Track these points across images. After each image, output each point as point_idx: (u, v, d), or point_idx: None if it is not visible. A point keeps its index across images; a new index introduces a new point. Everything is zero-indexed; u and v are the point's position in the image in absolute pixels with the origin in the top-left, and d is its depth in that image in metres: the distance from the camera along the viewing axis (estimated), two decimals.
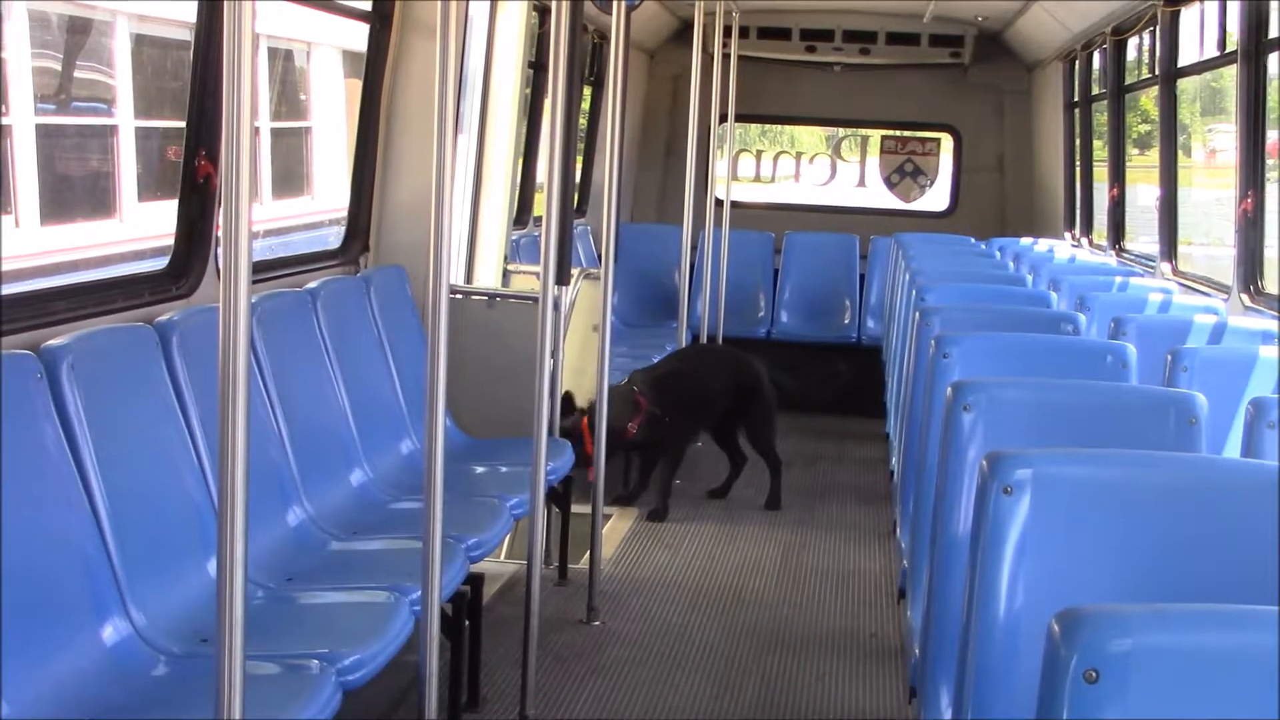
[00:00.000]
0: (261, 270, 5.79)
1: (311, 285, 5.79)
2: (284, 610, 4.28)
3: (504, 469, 5.99)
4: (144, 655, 3.78)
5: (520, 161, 8.75)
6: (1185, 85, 9.08)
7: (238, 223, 2.73)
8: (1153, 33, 8.95)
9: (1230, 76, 7.01)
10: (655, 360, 9.43)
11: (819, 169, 13.58)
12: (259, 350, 5.07)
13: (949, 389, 3.62)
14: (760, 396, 8.26)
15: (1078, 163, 11.45)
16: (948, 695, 3.24)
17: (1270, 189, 6.81)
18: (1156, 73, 8.77)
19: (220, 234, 2.79)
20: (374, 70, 6.69)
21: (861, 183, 13.42)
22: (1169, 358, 4.55)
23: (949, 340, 4.52)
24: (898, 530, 5.37)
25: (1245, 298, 6.57)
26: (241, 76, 2.70)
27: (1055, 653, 1.80)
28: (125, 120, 9.46)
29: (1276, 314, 6.08)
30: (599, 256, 6.76)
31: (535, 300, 5.23)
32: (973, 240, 10.85)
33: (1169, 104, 8.57)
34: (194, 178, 4.88)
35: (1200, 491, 2.74)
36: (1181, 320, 5.65)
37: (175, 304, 4.78)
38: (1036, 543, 2.67)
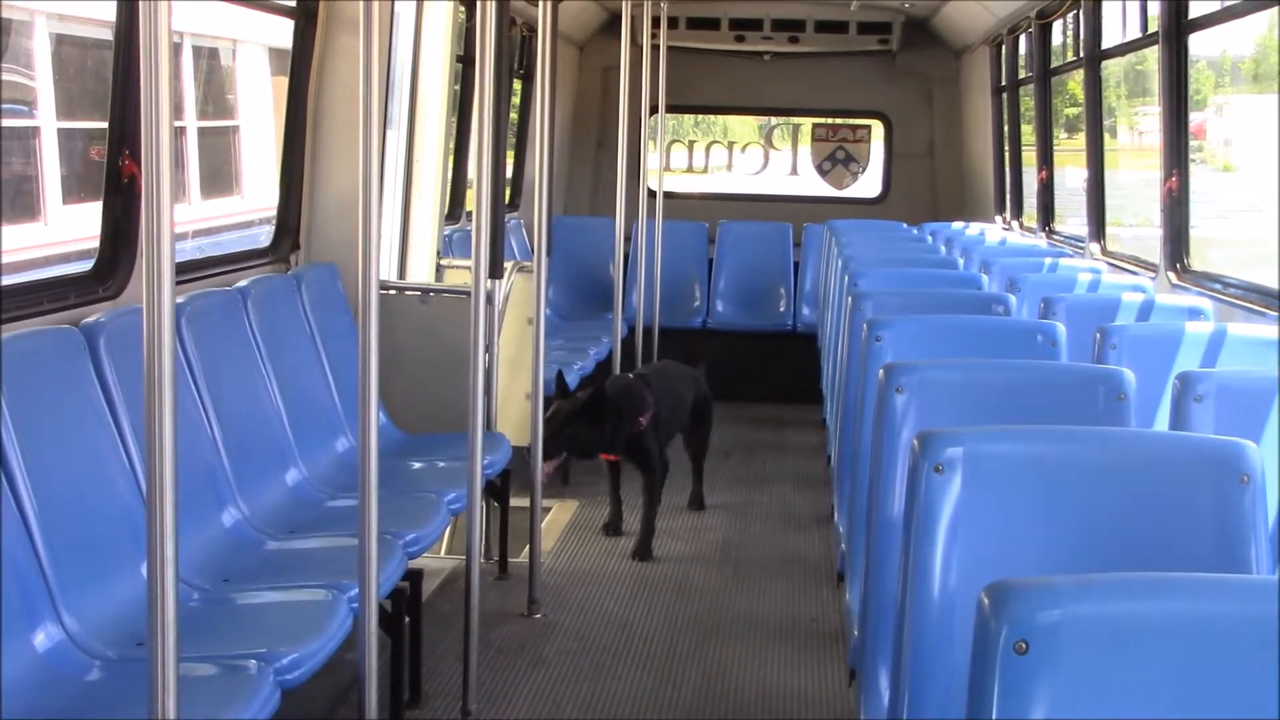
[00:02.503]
0: (190, 270, 5.74)
1: (241, 284, 5.74)
2: (220, 611, 4.25)
3: (441, 464, 5.96)
4: (77, 660, 3.73)
5: (451, 156, 8.71)
6: (1111, 69, 9.18)
7: (160, 221, 2.71)
8: (1077, 16, 9.04)
9: (1153, 58, 7.09)
10: (592, 352, 9.44)
11: (751, 158, 13.61)
12: (189, 350, 5.02)
13: (881, 371, 3.65)
14: (710, 412, 8.27)
15: (1007, 147, 11.55)
16: (886, 675, 3.26)
17: (1195, 170, 6.89)
18: (1081, 55, 8.86)
19: (143, 233, 2.75)
20: (300, 67, 6.63)
21: (794, 171, 13.47)
22: (1098, 335, 4.60)
23: (881, 324, 4.55)
24: (835, 514, 5.39)
25: (1172, 275, 6.64)
26: (160, 75, 2.67)
27: (985, 625, 1.82)
28: (47, 122, 9.34)
29: (1203, 290, 6.15)
30: (532, 250, 6.73)
31: (468, 294, 5.20)
32: (905, 226, 10.92)
33: (1094, 86, 8.66)
34: (118, 178, 4.83)
35: (1130, 465, 2.78)
36: (1110, 299, 5.71)
37: (102, 305, 4.72)
38: (968, 520, 2.69)
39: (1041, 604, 1.80)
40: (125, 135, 4.82)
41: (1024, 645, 1.79)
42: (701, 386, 8.18)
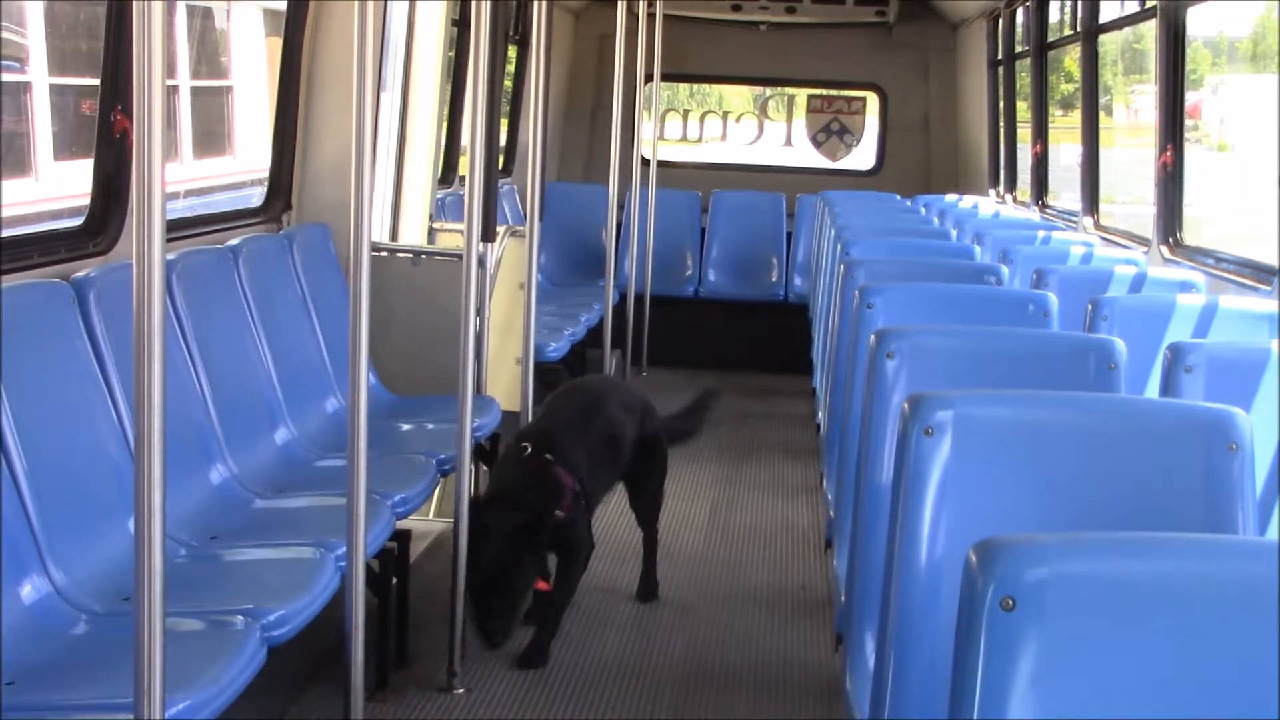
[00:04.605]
0: (182, 228, 5.72)
1: (233, 243, 5.72)
2: (207, 568, 4.25)
3: (430, 426, 5.96)
4: (64, 613, 3.73)
5: (445, 120, 8.68)
6: (1108, 49, 9.16)
7: (150, 176, 2.70)
8: None
9: (1150, 36, 7.08)
10: (584, 319, 9.41)
11: (746, 129, 13.58)
12: (179, 307, 5.00)
13: (872, 337, 3.65)
14: (662, 455, 6.12)
15: (1002, 121, 11.54)
16: (872, 639, 3.27)
17: (1190, 148, 6.89)
18: (1078, 30, 8.84)
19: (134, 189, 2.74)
20: (294, 28, 6.61)
21: (788, 142, 13.45)
22: (1090, 306, 4.60)
23: (873, 291, 4.54)
24: (824, 482, 5.40)
25: (1165, 250, 6.64)
26: (153, 28, 2.66)
27: (973, 582, 1.82)
28: (39, 78, 9.30)
29: (1195, 265, 6.15)
30: (525, 215, 6.72)
31: (460, 258, 5.20)
32: (898, 198, 10.91)
33: (1090, 60, 8.64)
34: (110, 133, 4.80)
35: (1120, 431, 2.78)
36: (1102, 271, 5.71)
37: (93, 261, 4.70)
38: (957, 483, 2.70)
39: (1029, 561, 1.80)
40: (118, 90, 4.79)
41: (1011, 602, 1.79)
42: (650, 420, 5.99)
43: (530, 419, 6.38)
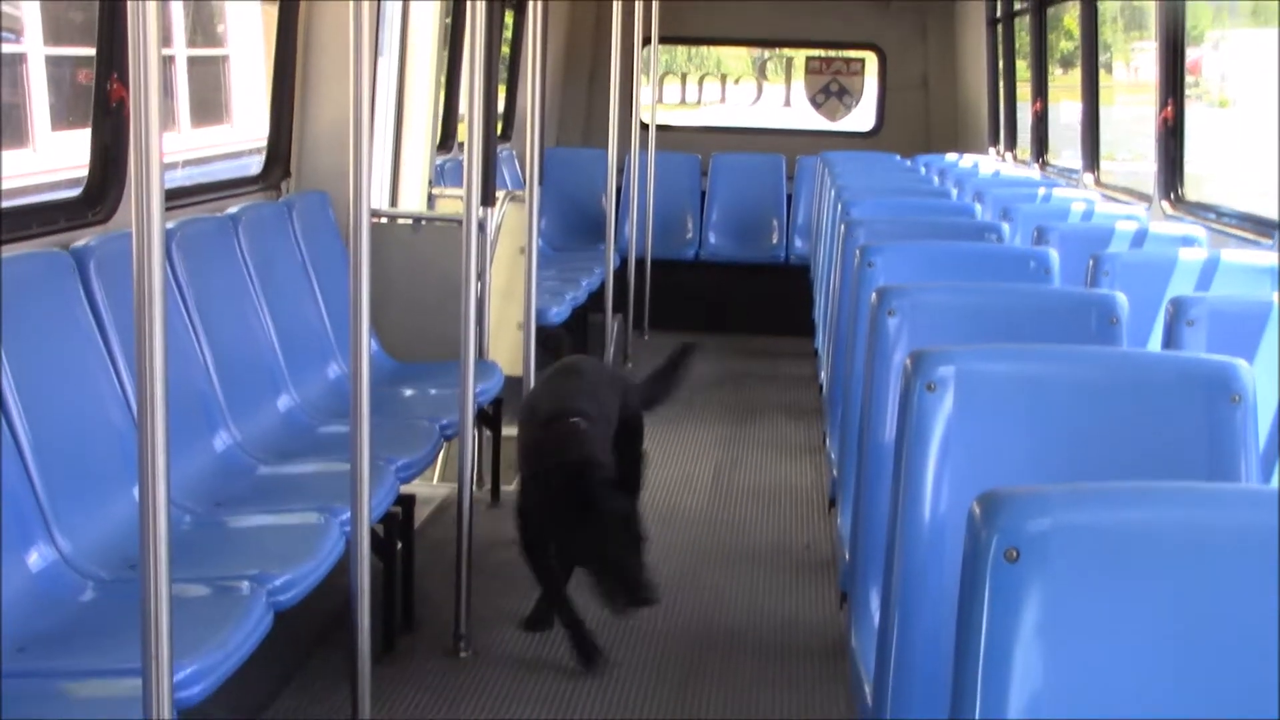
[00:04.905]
0: (180, 196, 5.71)
1: (232, 210, 5.71)
2: (213, 534, 4.26)
3: (433, 391, 5.97)
4: (71, 581, 3.74)
5: (443, 86, 8.65)
6: (1108, 4, 9.11)
7: (148, 144, 2.69)
8: None
9: None
10: (584, 283, 9.39)
11: (745, 91, 13.54)
12: (180, 276, 5.00)
13: (874, 295, 3.64)
14: (641, 437, 5.69)
15: (1001, 79, 11.49)
16: (876, 596, 3.27)
17: (1191, 105, 6.86)
18: None
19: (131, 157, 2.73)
20: None
21: (787, 104, 13.41)
22: (1091, 262, 4.59)
23: (874, 250, 4.54)
24: (827, 441, 5.40)
25: (1166, 205, 6.63)
26: None
27: (976, 534, 1.82)
28: (35, 49, 9.26)
29: (1197, 220, 6.14)
30: (524, 180, 6.70)
31: (460, 223, 5.19)
32: (898, 158, 10.89)
33: (1090, 16, 8.60)
34: (107, 102, 4.79)
35: (1122, 384, 2.78)
36: (1104, 228, 5.70)
37: (92, 230, 4.70)
38: (960, 438, 2.70)
39: (1032, 512, 1.81)
40: (114, 59, 4.77)
41: (1015, 553, 1.79)
42: (631, 397, 5.65)
43: (532, 383, 6.37)
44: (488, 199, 5.88)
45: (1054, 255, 4.53)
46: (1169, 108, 6.66)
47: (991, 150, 11.60)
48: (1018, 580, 1.79)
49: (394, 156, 7.52)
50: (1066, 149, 10.05)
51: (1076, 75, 9.01)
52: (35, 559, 3.72)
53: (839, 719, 4.69)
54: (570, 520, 4.71)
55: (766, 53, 13.67)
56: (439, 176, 8.24)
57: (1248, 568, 1.81)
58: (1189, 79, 7.01)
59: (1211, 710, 1.80)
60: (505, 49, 10.99)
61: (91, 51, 4.92)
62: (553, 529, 4.81)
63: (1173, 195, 6.64)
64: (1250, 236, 5.57)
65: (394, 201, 7.48)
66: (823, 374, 6.58)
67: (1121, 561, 1.80)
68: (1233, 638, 1.81)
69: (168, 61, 10.35)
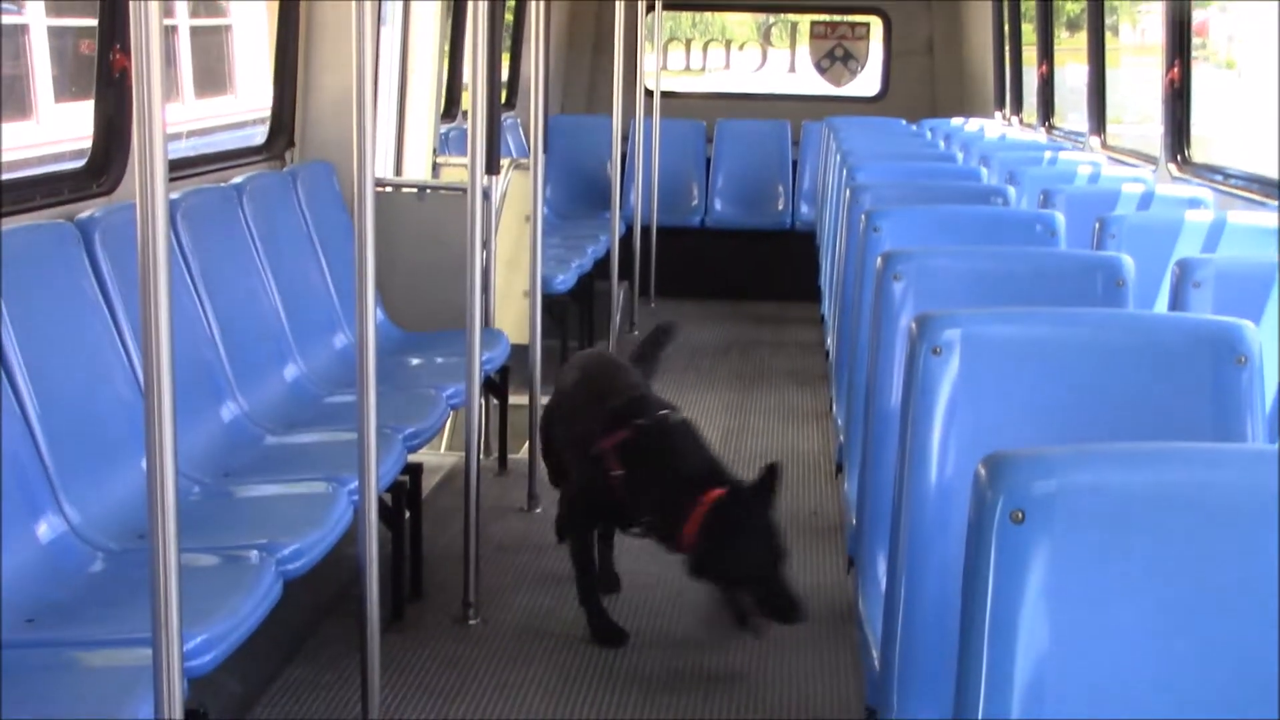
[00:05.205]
0: (184, 167, 5.70)
1: (237, 180, 5.71)
2: (221, 504, 4.27)
3: (439, 360, 5.97)
4: (81, 552, 3.76)
5: (446, 54, 8.63)
6: None
7: (151, 114, 2.68)
8: None
9: None
10: (590, 251, 9.37)
11: (749, 57, 13.50)
12: (185, 246, 5.00)
13: (879, 260, 3.64)
14: None
15: (1007, 42, 11.44)
16: (884, 560, 3.28)
17: (1198, 66, 6.82)
18: None
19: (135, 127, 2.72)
20: None
21: (792, 69, 13.36)
22: (1097, 225, 4.58)
23: (879, 214, 4.53)
24: (834, 407, 5.40)
25: (1173, 167, 6.61)
26: None
27: (982, 496, 1.82)
28: (36, 20, 9.23)
29: (1203, 181, 6.12)
30: (529, 148, 6.69)
31: (465, 191, 5.18)
32: (904, 123, 10.86)
33: None
34: (109, 72, 4.78)
35: (1128, 346, 2.78)
36: (1110, 191, 5.68)
37: (97, 201, 4.70)
38: (966, 401, 2.70)
39: (1038, 473, 1.81)
40: (116, 29, 4.76)
41: (1020, 515, 1.80)
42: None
43: (539, 352, 6.36)
44: (492, 167, 5.86)
45: (1060, 218, 4.51)
46: (1175, 69, 6.62)
47: (997, 114, 11.55)
48: (1023, 541, 1.80)
49: (398, 125, 7.51)
50: (1073, 113, 10.02)
51: (1082, 39, 8.97)
52: (44, 530, 3.73)
53: (847, 682, 4.70)
54: (739, 536, 4.59)
55: (771, 18, 13.61)
56: (443, 145, 8.23)
57: (1253, 528, 1.81)
58: (1196, 40, 6.96)
59: (1217, 669, 1.80)
60: (509, 16, 10.95)
61: (94, 22, 4.91)
62: (717, 545, 4.63)
63: (1179, 157, 6.61)
64: (1257, 198, 5.55)
65: (399, 170, 7.48)
66: (829, 340, 6.58)
67: (1127, 522, 1.81)
68: (1238, 597, 1.82)
69: (170, 31, 10.32)
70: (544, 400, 7.11)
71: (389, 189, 6.75)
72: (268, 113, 6.71)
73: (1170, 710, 1.80)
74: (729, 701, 4.59)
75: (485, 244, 6.01)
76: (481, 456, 5.47)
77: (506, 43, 11.07)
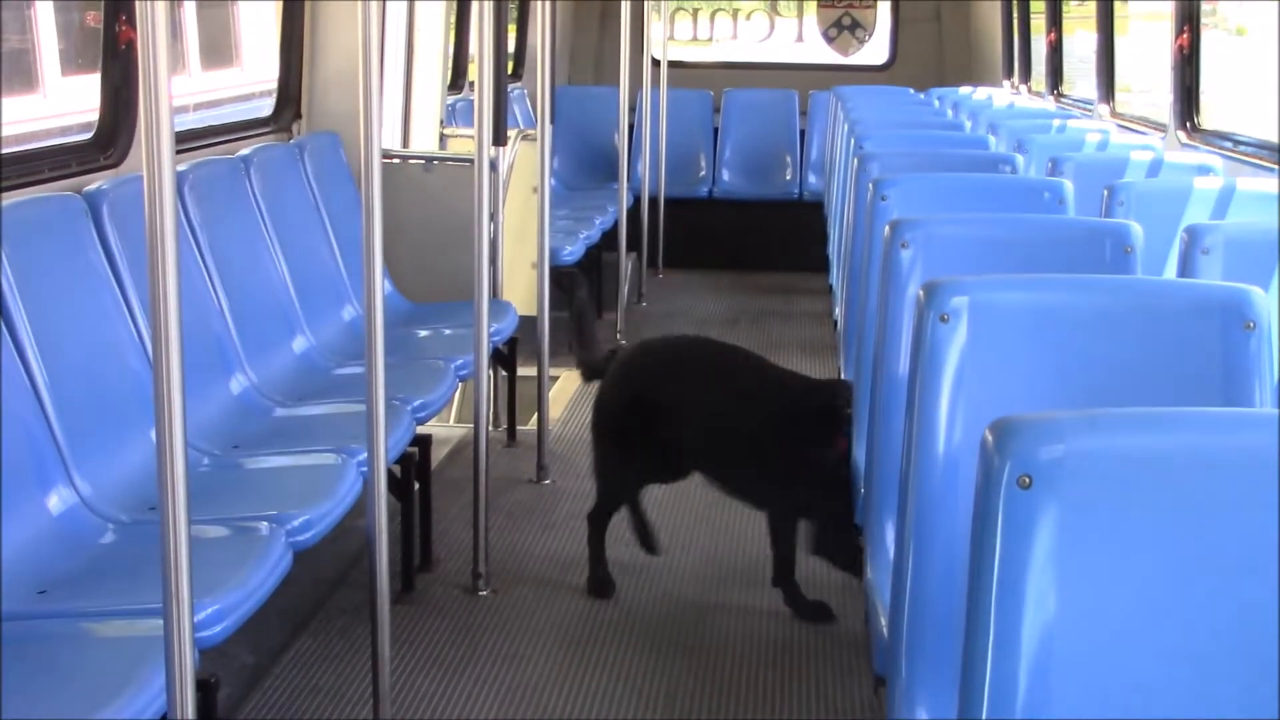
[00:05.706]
0: (191, 139, 5.70)
1: (244, 153, 5.71)
2: (231, 476, 4.28)
3: (448, 332, 5.98)
4: (92, 524, 3.77)
5: (453, 25, 8.61)
6: None
7: (157, 86, 2.67)
8: None
9: None
10: (598, 222, 9.35)
11: (756, 26, 13.45)
12: (192, 218, 5.00)
13: (887, 228, 3.62)
14: None
15: (1015, 10, 11.39)
16: (892, 528, 3.28)
17: (1208, 33, 6.78)
18: None
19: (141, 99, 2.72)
20: None
21: (799, 39, 13.32)
22: (1106, 193, 4.56)
23: (887, 183, 4.51)
24: (843, 377, 5.40)
25: (1182, 135, 6.58)
26: None
27: (989, 461, 1.82)
28: None
29: (1212, 148, 6.10)
30: (536, 119, 6.68)
31: (472, 162, 5.18)
32: (912, 91, 10.82)
33: None
34: (116, 44, 4.78)
35: (1136, 312, 2.77)
36: (1118, 158, 5.66)
37: (104, 174, 4.70)
38: (973, 368, 2.69)
39: (1045, 438, 1.81)
40: (121, 1, 4.76)
41: (1028, 480, 1.79)
42: None
43: (547, 324, 6.34)
44: (499, 138, 5.86)
45: (1068, 186, 4.50)
46: (1184, 36, 6.59)
47: (1005, 83, 11.51)
48: (1031, 507, 1.80)
49: (405, 97, 7.50)
50: (1081, 81, 9.97)
51: (1091, 8, 8.92)
52: (55, 502, 3.74)
53: (855, 649, 4.71)
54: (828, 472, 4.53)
55: None
56: (450, 116, 8.22)
57: (1260, 492, 1.81)
58: (1205, 6, 6.93)
59: (1225, 632, 1.81)
60: None
61: None
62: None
63: (1188, 124, 6.58)
64: (1267, 164, 5.53)
65: (405, 142, 7.47)
66: (837, 309, 6.57)
67: (1134, 487, 1.81)
68: (1245, 561, 1.82)
69: (176, 4, 10.29)
70: (553, 372, 7.11)
71: (396, 160, 6.74)
72: (274, 85, 6.71)
73: (1178, 673, 1.81)
74: (740, 668, 4.60)
75: (492, 215, 6.02)
76: (490, 428, 5.47)
77: (513, 13, 11.04)
